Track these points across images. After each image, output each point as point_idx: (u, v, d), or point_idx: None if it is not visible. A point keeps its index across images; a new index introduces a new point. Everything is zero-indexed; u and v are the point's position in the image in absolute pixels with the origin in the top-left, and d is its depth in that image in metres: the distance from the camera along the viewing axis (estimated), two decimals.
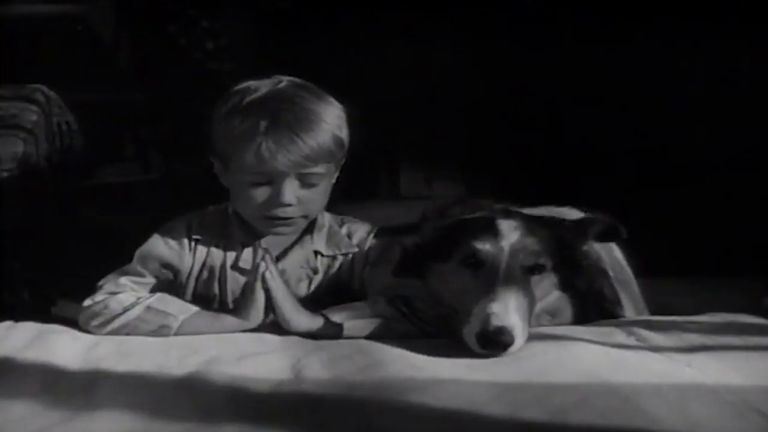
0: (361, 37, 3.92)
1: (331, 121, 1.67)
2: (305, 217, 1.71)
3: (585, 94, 3.65)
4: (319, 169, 1.65)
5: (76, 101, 3.06)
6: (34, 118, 2.69)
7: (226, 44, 4.19)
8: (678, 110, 3.50)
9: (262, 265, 1.61)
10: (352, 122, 1.74)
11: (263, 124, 1.61)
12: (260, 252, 1.65)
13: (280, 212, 1.66)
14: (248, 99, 1.65)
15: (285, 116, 1.61)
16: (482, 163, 4.12)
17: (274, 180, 1.64)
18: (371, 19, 3.89)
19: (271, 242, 1.74)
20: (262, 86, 1.68)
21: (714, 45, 3.39)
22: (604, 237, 1.69)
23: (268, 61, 3.82)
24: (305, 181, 1.66)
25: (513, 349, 1.41)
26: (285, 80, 1.71)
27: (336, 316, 1.61)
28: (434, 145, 4.12)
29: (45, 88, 2.85)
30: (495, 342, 1.40)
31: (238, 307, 1.65)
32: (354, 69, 3.87)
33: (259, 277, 1.60)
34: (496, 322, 1.41)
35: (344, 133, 1.71)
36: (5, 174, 2.48)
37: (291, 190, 1.64)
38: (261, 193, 1.65)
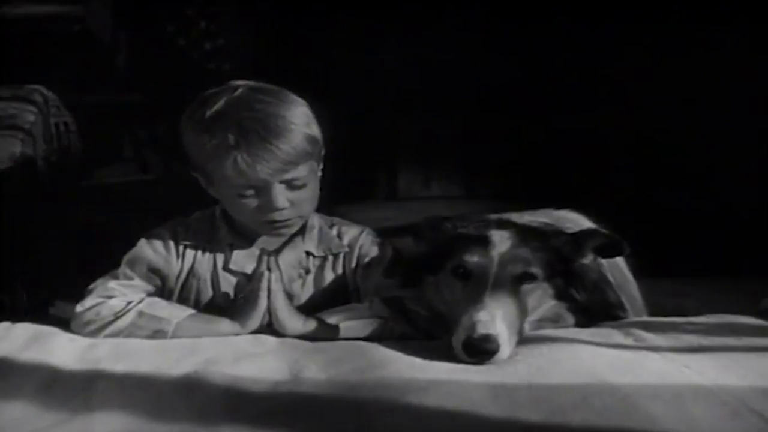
0: (359, 38, 3.92)
1: (299, 121, 1.64)
2: (301, 217, 1.71)
3: (585, 95, 3.65)
4: (301, 171, 1.65)
5: (74, 102, 3.06)
6: (32, 118, 2.69)
7: (224, 45, 4.19)
8: (679, 111, 3.51)
9: (266, 272, 1.61)
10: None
11: (231, 137, 1.59)
12: (264, 258, 1.64)
13: (276, 216, 1.66)
14: (209, 113, 1.62)
15: (252, 125, 1.59)
16: (481, 163, 4.12)
17: (260, 189, 1.63)
18: (370, 19, 3.90)
19: (263, 244, 1.74)
20: (218, 97, 1.64)
21: (717, 46, 3.40)
22: (605, 252, 1.68)
23: (267, 62, 3.83)
24: (292, 185, 1.65)
25: (500, 357, 1.41)
26: (241, 86, 1.67)
27: (331, 318, 1.62)
28: (432, 146, 4.13)
29: (43, 89, 2.85)
30: (480, 350, 1.41)
31: (238, 311, 1.65)
32: (352, 69, 3.87)
33: (265, 284, 1.60)
34: (481, 330, 1.42)
35: (315, 130, 1.69)
36: (3, 174, 2.48)
37: (281, 195, 1.64)
38: (252, 202, 1.65)
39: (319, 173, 1.74)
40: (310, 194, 1.70)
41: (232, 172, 1.61)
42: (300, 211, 1.69)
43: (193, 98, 1.71)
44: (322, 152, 1.74)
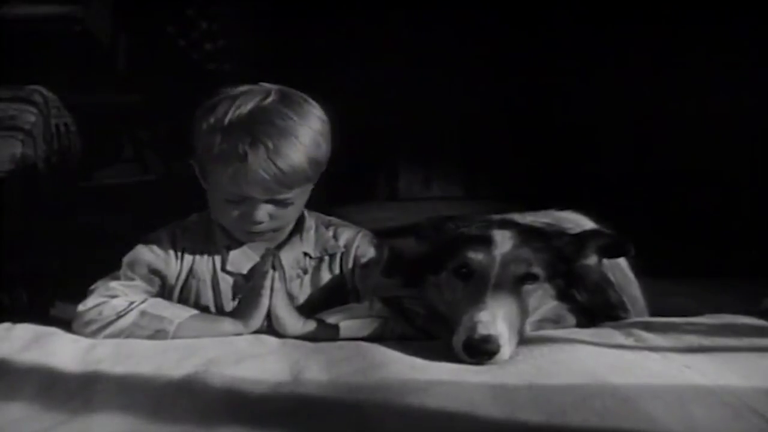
0: (359, 38, 3.92)
1: (309, 142, 1.63)
2: (276, 230, 1.71)
3: (585, 95, 3.65)
4: (293, 192, 1.64)
5: (75, 102, 3.05)
6: (32, 119, 2.68)
7: (225, 45, 4.19)
8: (678, 111, 3.51)
9: (271, 270, 1.61)
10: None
11: (242, 148, 1.58)
12: (269, 256, 1.64)
13: (253, 228, 1.66)
14: (231, 117, 1.61)
15: (264, 141, 1.58)
16: (481, 163, 4.12)
17: (246, 201, 1.63)
18: (370, 19, 3.90)
19: (261, 244, 1.73)
20: (247, 100, 1.63)
21: (718, 45, 3.40)
22: (609, 252, 1.68)
23: (267, 62, 3.83)
24: (278, 203, 1.65)
25: (500, 358, 1.41)
26: (272, 94, 1.65)
27: (331, 318, 1.62)
28: (433, 146, 4.13)
29: (43, 90, 2.84)
30: (480, 350, 1.41)
31: (239, 311, 1.65)
32: (353, 70, 3.87)
33: (269, 283, 1.60)
34: (482, 330, 1.42)
35: (322, 152, 1.67)
36: (3, 175, 2.48)
37: (263, 210, 1.64)
38: (235, 209, 1.65)
39: (310, 191, 1.73)
40: (294, 211, 1.70)
41: (227, 180, 1.61)
42: (278, 225, 1.69)
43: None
44: (321, 171, 1.72)
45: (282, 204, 1.65)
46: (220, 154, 1.60)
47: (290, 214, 1.70)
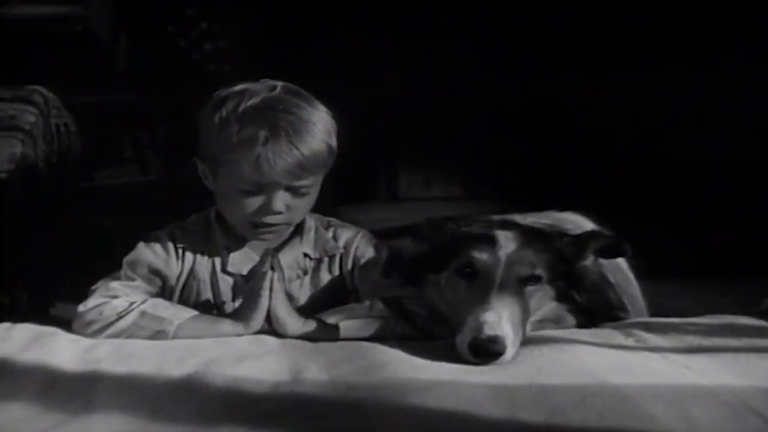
0: (360, 39, 3.92)
1: (324, 129, 1.66)
2: (289, 224, 1.72)
3: (585, 96, 3.65)
4: (311, 180, 1.66)
5: (75, 103, 3.05)
6: (33, 119, 2.68)
7: (225, 45, 4.19)
8: (678, 112, 3.51)
9: (270, 271, 1.61)
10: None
11: (263, 134, 1.59)
12: (268, 257, 1.64)
13: (268, 219, 1.66)
14: (244, 106, 1.62)
15: (284, 126, 1.60)
16: (481, 164, 4.12)
17: (265, 189, 1.64)
18: (370, 21, 3.90)
19: (261, 245, 1.73)
20: (256, 92, 1.65)
21: (718, 46, 3.40)
22: (607, 253, 1.68)
23: (267, 63, 3.83)
24: (296, 191, 1.66)
25: (504, 358, 1.42)
26: (278, 86, 1.69)
27: (332, 318, 1.62)
28: (433, 147, 4.13)
29: (43, 90, 2.84)
30: (486, 351, 1.41)
31: (239, 312, 1.65)
32: (353, 71, 3.87)
33: (267, 284, 1.60)
34: (488, 331, 1.42)
35: (334, 141, 1.70)
36: (3, 175, 2.47)
37: (281, 199, 1.64)
38: (250, 202, 1.65)
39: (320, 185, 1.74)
40: (307, 203, 1.71)
41: (248, 168, 1.61)
42: (291, 218, 1.70)
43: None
44: (333, 161, 1.74)
45: (299, 193, 1.66)
46: (239, 142, 1.61)
47: (303, 207, 1.71)
